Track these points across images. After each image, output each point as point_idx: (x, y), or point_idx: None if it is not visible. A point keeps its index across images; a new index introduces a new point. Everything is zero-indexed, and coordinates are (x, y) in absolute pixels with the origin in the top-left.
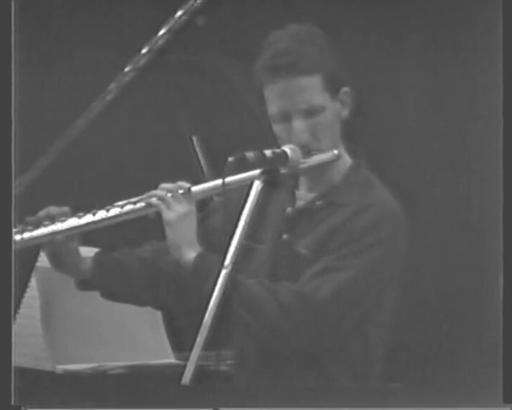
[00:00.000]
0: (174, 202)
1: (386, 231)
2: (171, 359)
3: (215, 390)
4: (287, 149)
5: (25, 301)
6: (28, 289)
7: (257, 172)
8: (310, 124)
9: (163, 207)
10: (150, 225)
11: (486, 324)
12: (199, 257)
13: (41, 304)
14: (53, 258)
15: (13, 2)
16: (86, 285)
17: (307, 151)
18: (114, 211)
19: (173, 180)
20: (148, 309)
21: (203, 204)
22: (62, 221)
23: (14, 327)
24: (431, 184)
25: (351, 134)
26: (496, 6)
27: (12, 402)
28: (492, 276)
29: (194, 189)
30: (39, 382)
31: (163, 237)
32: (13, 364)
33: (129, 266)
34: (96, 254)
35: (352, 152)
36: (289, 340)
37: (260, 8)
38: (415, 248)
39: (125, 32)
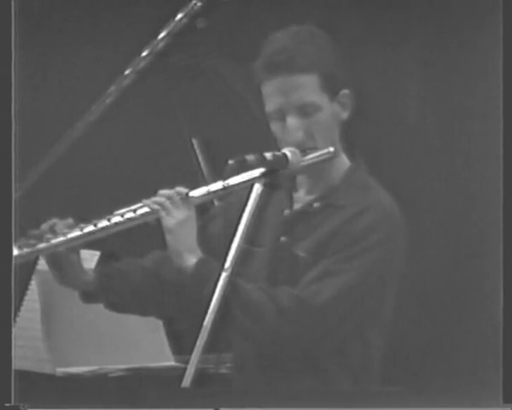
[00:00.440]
0: (173, 208)
1: (385, 232)
2: (171, 362)
3: (215, 393)
4: (287, 151)
5: (25, 304)
6: (28, 292)
7: (257, 174)
8: (305, 123)
9: (162, 213)
10: (152, 234)
11: (486, 324)
12: (200, 262)
13: (41, 307)
14: (56, 271)
15: (13, 3)
16: (90, 298)
17: (302, 150)
18: (115, 220)
19: (174, 183)
20: None
21: (204, 209)
22: (64, 234)
23: (14, 330)
24: (430, 185)
25: (349, 136)
26: (496, 6)
27: (12, 404)
28: (492, 276)
29: (193, 194)
30: (39, 384)
31: (165, 245)
32: (13, 366)
33: (131, 277)
34: (99, 266)
35: (350, 154)
36: (289, 344)
37: (260, 10)
38: (414, 249)
39: (125, 35)
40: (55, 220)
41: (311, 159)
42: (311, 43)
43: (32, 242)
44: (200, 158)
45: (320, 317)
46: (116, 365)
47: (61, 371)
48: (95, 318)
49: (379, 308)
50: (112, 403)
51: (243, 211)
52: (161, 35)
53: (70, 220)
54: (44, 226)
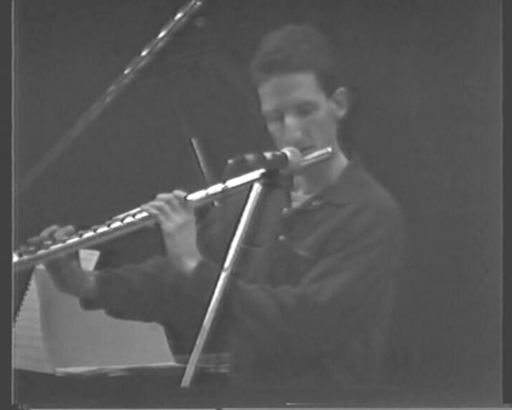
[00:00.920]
0: (172, 212)
1: (384, 229)
2: (171, 361)
3: (215, 393)
4: (286, 151)
5: (25, 303)
6: (28, 292)
7: (256, 176)
8: (302, 121)
9: (162, 218)
10: (152, 240)
11: (486, 324)
12: (200, 266)
13: (41, 307)
14: (56, 279)
15: (13, 3)
16: (90, 304)
17: (301, 149)
18: (115, 225)
19: (173, 182)
20: None
21: (203, 212)
22: (64, 241)
23: (13, 330)
24: (429, 182)
25: (347, 134)
26: (496, 6)
27: (12, 404)
28: (492, 274)
29: (191, 197)
30: (39, 384)
31: (164, 250)
32: (13, 366)
33: (132, 283)
34: (100, 273)
35: (348, 152)
36: (292, 344)
37: (260, 9)
38: (413, 248)
39: (124, 34)
40: (54, 227)
41: (310, 159)
42: (306, 42)
43: (31, 249)
44: (200, 157)
45: (322, 315)
46: (116, 365)
47: (60, 370)
48: (95, 318)
49: (379, 306)
50: (112, 403)
51: (242, 211)
52: (161, 34)
53: (70, 227)
54: (44, 233)
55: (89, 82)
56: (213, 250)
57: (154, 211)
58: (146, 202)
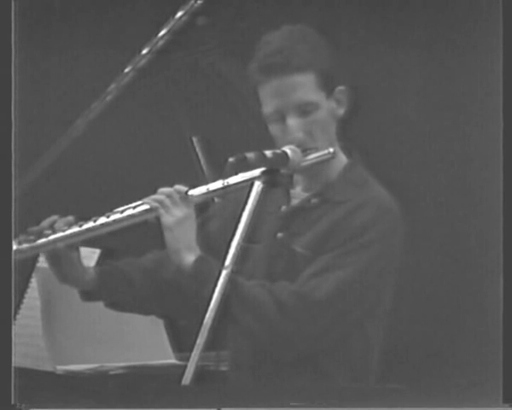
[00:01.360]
0: (172, 206)
1: (382, 227)
2: (171, 359)
3: (215, 391)
4: (287, 149)
5: (25, 301)
6: (29, 290)
7: (257, 173)
8: (304, 122)
9: (162, 211)
10: (152, 234)
11: (486, 324)
12: (198, 261)
13: (41, 305)
14: (56, 269)
15: (13, 3)
16: (89, 296)
17: (303, 150)
18: (114, 217)
19: (174, 181)
20: None
21: (204, 207)
22: (64, 230)
23: (14, 328)
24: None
25: (346, 132)
26: (496, 6)
27: (12, 402)
28: (492, 273)
29: (192, 192)
30: (39, 382)
31: (164, 245)
32: (13, 364)
33: (132, 276)
34: (99, 265)
35: (347, 150)
36: (289, 340)
37: (260, 8)
38: (413, 246)
39: (125, 33)
40: (55, 217)
41: (312, 160)
42: (305, 42)
43: (31, 238)
44: (200, 156)
45: (319, 312)
46: (116, 362)
47: (61, 368)
48: (95, 315)
49: (378, 304)
50: (112, 401)
51: (243, 209)
52: (161, 33)
53: (70, 218)
54: (44, 223)
55: (89, 80)
56: (212, 246)
57: (155, 204)
58: None
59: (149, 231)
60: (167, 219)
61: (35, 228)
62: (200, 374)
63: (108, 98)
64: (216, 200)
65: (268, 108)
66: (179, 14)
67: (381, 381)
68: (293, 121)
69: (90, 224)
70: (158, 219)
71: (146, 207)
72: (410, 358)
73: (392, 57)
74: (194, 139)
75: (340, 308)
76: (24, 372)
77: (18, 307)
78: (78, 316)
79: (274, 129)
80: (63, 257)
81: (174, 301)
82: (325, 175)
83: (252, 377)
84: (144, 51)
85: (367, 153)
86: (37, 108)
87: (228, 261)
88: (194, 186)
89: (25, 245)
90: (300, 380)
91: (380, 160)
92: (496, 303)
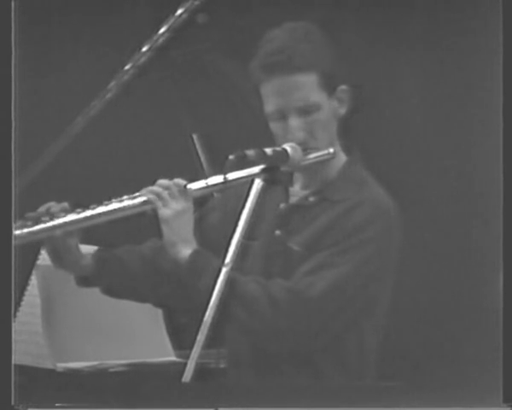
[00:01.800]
0: (170, 199)
1: (380, 226)
2: (171, 357)
3: (215, 388)
4: (287, 147)
5: (25, 299)
6: (29, 288)
7: (257, 169)
8: (306, 122)
9: (159, 203)
10: (151, 223)
11: (486, 323)
12: (194, 254)
13: (41, 302)
14: (53, 254)
15: (13, 3)
16: (86, 282)
17: (304, 149)
18: (112, 206)
19: (173, 178)
20: (149, 307)
21: (203, 202)
22: (61, 217)
23: (14, 325)
24: (426, 180)
25: (346, 131)
26: (496, 6)
27: (12, 401)
28: (492, 275)
29: (191, 186)
30: (39, 380)
31: (161, 236)
32: (13, 362)
33: (129, 263)
34: (97, 251)
35: (346, 149)
36: (283, 338)
37: (261, 5)
38: (412, 246)
39: (125, 30)
40: (51, 203)
41: (312, 159)
42: (308, 42)
43: (29, 223)
44: (200, 153)
45: (314, 309)
46: (116, 360)
47: (61, 366)
48: (95, 313)
49: (374, 302)
50: (112, 398)
51: (243, 206)
52: (161, 30)
53: (65, 204)
54: (41, 209)
55: (89, 78)
56: (210, 240)
57: (152, 196)
58: None
59: (148, 220)
60: (164, 211)
61: (32, 214)
62: (200, 372)
63: (108, 96)
64: (215, 195)
65: (269, 106)
66: (179, 11)
67: (381, 380)
68: (294, 121)
69: (88, 212)
70: (155, 210)
71: (144, 198)
72: (409, 357)
73: (394, 57)
74: (195, 136)
75: (334, 306)
76: (24, 370)
77: (18, 304)
78: (78, 313)
79: (275, 127)
80: (60, 242)
81: (171, 291)
82: (324, 173)
83: (249, 374)
84: (144, 49)
85: (367, 151)
86: (37, 106)
87: (228, 259)
88: (193, 181)
89: (24, 230)
90: (295, 379)
91: (379, 159)
92: (496, 303)
